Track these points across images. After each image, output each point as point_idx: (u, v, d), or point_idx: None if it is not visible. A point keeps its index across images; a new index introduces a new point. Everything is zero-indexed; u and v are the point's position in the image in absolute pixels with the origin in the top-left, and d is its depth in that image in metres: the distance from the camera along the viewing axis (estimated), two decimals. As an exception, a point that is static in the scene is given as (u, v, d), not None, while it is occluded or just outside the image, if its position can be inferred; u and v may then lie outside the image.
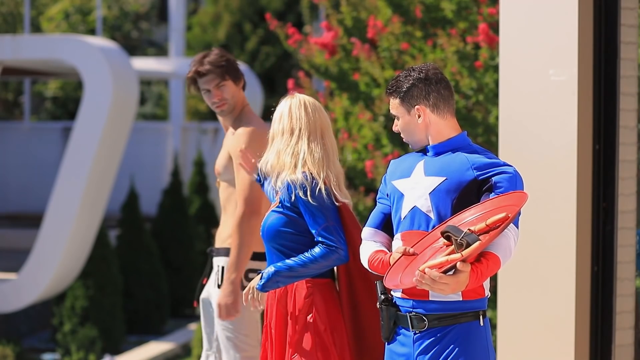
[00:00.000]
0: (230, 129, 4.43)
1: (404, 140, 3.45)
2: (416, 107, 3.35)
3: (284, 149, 3.77)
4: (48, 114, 22.19)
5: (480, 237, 3.06)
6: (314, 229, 3.68)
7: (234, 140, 4.37)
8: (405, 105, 3.37)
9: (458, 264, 3.05)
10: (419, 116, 3.36)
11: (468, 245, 3.04)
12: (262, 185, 4.04)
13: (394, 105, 3.40)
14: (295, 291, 3.76)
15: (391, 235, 3.42)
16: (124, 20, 23.18)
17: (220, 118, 4.47)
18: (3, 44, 12.27)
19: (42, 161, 17.97)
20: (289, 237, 3.76)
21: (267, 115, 3.98)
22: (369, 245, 3.41)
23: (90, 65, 11.60)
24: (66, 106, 21.90)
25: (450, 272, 3.08)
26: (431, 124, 3.36)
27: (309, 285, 3.77)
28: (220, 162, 4.45)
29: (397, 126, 3.43)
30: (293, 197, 3.72)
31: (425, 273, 3.06)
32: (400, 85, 3.37)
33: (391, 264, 3.20)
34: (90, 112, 11.50)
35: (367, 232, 3.45)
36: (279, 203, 3.76)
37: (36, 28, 21.05)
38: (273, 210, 3.78)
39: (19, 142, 18.42)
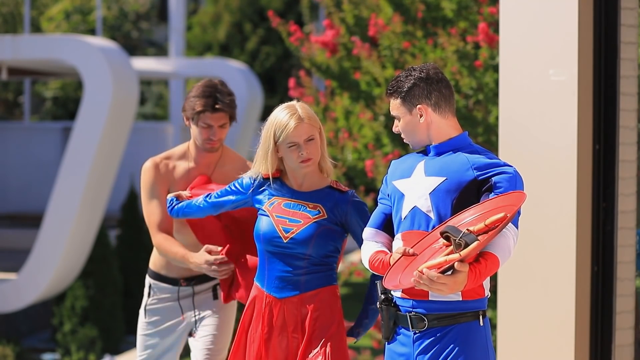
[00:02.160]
0: (211, 162, 4.35)
1: (404, 140, 3.45)
2: (418, 106, 3.35)
3: (325, 155, 3.79)
4: (48, 114, 22.20)
5: (479, 237, 3.06)
6: None
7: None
8: (407, 105, 3.37)
9: (456, 264, 3.05)
10: (421, 116, 3.35)
11: (466, 245, 3.04)
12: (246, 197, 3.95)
13: (395, 105, 3.40)
14: (334, 297, 3.73)
15: (392, 235, 3.42)
16: (124, 20, 23.19)
17: (195, 147, 4.32)
18: (3, 44, 12.29)
19: (42, 161, 17.99)
20: (328, 247, 3.71)
21: (267, 115, 3.91)
22: (370, 245, 3.41)
23: (90, 65, 11.61)
24: (66, 106, 21.92)
25: (449, 272, 3.08)
26: (432, 123, 3.36)
27: (337, 289, 3.77)
28: None
29: (397, 127, 3.42)
30: (345, 216, 3.71)
31: (423, 273, 3.06)
32: (401, 85, 3.36)
33: (391, 265, 3.20)
34: (90, 112, 11.51)
35: (368, 232, 3.45)
36: (326, 216, 3.70)
37: (36, 28, 21.06)
38: (319, 221, 3.68)
39: (19, 142, 18.43)
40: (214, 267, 4.07)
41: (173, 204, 4.04)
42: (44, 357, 12.38)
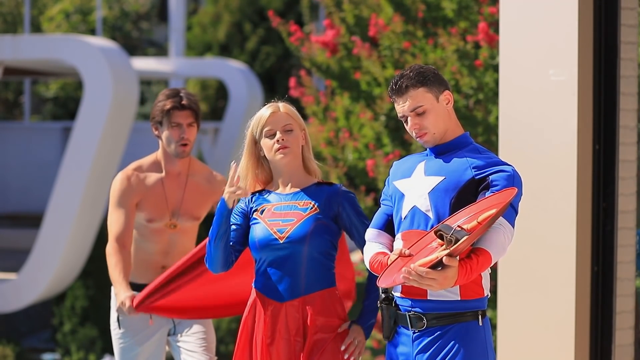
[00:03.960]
0: (182, 171, 4.46)
1: (423, 137, 3.35)
2: (445, 92, 3.32)
3: (311, 157, 3.78)
4: (48, 114, 22.20)
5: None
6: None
7: (217, 189, 4.48)
8: (434, 92, 3.30)
9: (444, 259, 3.04)
10: (448, 102, 3.32)
11: (457, 241, 3.05)
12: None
13: (417, 95, 3.30)
14: (335, 298, 3.72)
15: (394, 236, 3.42)
16: (124, 20, 23.19)
17: (164, 157, 4.45)
18: (3, 44, 12.29)
19: (42, 161, 17.98)
20: (325, 243, 3.69)
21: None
22: (372, 246, 3.41)
23: (90, 65, 11.61)
24: (66, 106, 21.92)
25: (439, 268, 3.07)
26: (452, 113, 3.36)
27: (337, 291, 3.76)
28: (202, 208, 4.50)
29: (416, 124, 3.32)
30: (338, 208, 3.69)
31: (412, 269, 3.06)
32: (421, 74, 3.30)
33: (387, 265, 3.21)
34: (90, 112, 11.51)
35: (370, 233, 3.45)
36: (318, 210, 3.68)
37: (36, 28, 21.07)
38: (314, 216, 3.66)
39: (19, 142, 18.43)
40: (126, 310, 4.26)
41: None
42: (44, 357, 12.38)
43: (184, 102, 4.36)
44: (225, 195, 3.63)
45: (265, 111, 3.71)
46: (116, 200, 4.41)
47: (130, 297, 4.25)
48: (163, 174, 4.46)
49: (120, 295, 4.26)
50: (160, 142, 4.45)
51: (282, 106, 3.72)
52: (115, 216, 4.39)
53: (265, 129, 3.68)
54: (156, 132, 4.43)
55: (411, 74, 3.31)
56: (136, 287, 4.41)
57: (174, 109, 4.35)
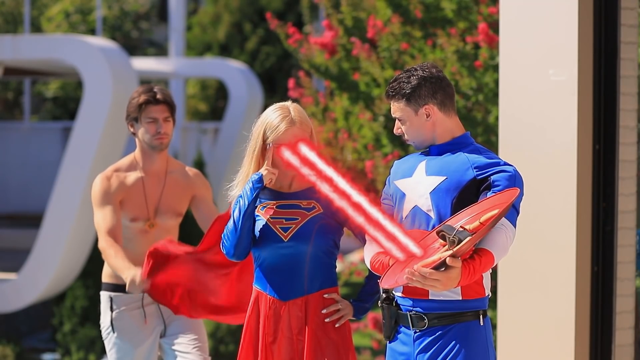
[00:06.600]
0: (161, 169, 4.45)
1: (407, 141, 3.42)
2: (424, 106, 3.33)
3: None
4: (48, 114, 22.20)
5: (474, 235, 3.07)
6: None
7: (199, 183, 4.55)
8: (413, 106, 3.35)
9: (448, 260, 3.05)
10: (428, 116, 3.34)
11: (460, 242, 3.05)
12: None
13: (398, 107, 3.37)
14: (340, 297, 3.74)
15: (394, 235, 3.42)
16: (124, 20, 23.19)
17: (142, 155, 4.44)
18: (3, 44, 12.29)
19: (42, 161, 17.98)
20: (328, 242, 3.68)
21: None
22: (372, 246, 3.41)
23: (90, 65, 11.61)
24: (66, 106, 21.91)
25: (442, 269, 3.07)
26: (438, 122, 3.35)
27: (338, 290, 3.75)
28: (182, 204, 4.50)
29: (399, 129, 3.40)
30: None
31: (415, 270, 3.06)
32: (404, 86, 3.34)
33: (390, 266, 3.21)
34: (90, 112, 11.51)
35: (371, 232, 3.45)
36: (322, 210, 3.67)
37: (36, 28, 21.06)
38: (318, 216, 3.66)
39: (19, 142, 18.43)
40: (137, 285, 4.14)
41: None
42: (44, 357, 12.38)
43: (158, 96, 4.34)
44: (264, 171, 3.64)
45: (281, 124, 3.65)
46: (99, 200, 4.36)
47: (137, 272, 4.17)
48: (142, 173, 4.44)
49: (126, 273, 4.17)
50: (136, 140, 4.43)
51: (295, 116, 3.66)
52: (102, 214, 4.33)
53: (277, 143, 3.64)
54: (132, 130, 4.40)
55: (395, 84, 3.35)
56: (123, 288, 4.36)
57: (148, 103, 4.33)
